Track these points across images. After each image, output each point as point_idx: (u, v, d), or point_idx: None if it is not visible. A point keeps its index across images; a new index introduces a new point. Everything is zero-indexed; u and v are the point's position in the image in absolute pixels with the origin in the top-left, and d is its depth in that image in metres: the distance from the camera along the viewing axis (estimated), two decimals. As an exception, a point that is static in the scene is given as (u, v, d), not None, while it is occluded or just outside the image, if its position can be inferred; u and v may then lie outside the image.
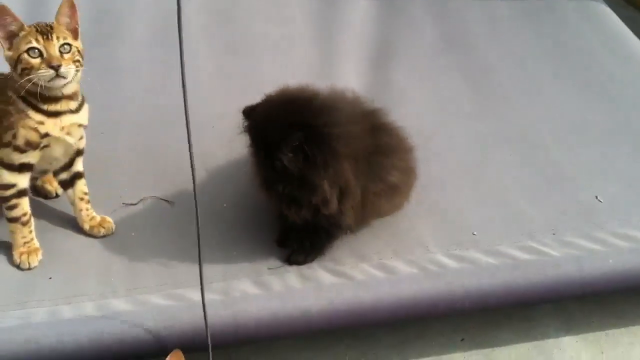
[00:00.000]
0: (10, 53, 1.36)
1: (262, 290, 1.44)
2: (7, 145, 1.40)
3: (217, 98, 1.98)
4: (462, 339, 1.58)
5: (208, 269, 1.37)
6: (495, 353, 1.56)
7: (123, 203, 1.66)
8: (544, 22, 2.35)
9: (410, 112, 1.94)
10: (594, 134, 1.92)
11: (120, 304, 1.39)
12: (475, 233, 1.62)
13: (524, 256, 1.54)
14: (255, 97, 1.46)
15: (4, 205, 1.46)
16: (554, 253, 1.54)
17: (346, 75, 2.10)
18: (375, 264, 1.53)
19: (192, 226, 1.28)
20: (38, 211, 1.60)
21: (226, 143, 1.73)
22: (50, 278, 1.47)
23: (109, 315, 1.35)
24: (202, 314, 1.27)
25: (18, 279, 1.47)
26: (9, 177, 1.42)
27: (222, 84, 2.06)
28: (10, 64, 1.37)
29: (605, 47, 2.25)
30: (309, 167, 1.37)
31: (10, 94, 1.39)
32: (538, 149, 1.87)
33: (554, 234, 1.61)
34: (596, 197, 1.72)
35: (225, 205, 1.67)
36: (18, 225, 1.47)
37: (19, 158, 1.41)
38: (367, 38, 2.26)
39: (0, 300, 1.41)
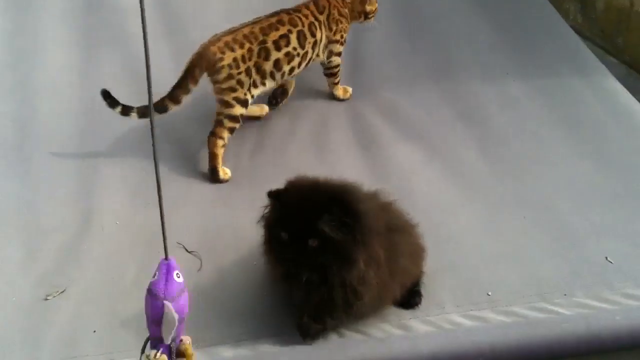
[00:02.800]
0: (370, 7, 2.42)
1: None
2: (337, 41, 2.36)
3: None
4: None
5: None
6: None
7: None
8: (555, 97, 2.49)
9: (429, 179, 2.12)
10: (604, 199, 2.02)
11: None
12: (489, 293, 1.72)
13: (536, 315, 1.63)
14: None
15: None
16: (564, 312, 1.63)
17: (367, 154, 2.26)
18: (394, 323, 1.63)
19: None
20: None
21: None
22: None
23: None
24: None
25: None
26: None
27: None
28: (362, 10, 2.42)
29: (613, 118, 2.38)
30: (346, 242, 1.42)
31: (346, 12, 2.38)
32: (550, 212, 1.98)
33: (565, 295, 1.70)
34: (606, 258, 1.81)
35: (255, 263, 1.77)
36: None
37: (340, 47, 2.38)
38: (389, 122, 2.41)
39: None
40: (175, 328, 1.16)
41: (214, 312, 1.67)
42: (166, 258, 1.15)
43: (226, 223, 1.94)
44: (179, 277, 1.15)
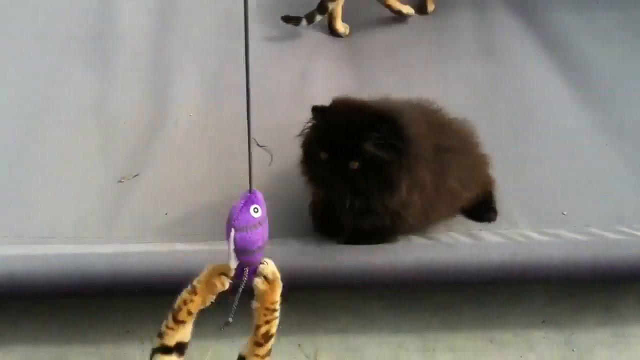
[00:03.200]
0: None
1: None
2: None
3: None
4: (543, 321, 1.63)
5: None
6: (574, 337, 1.60)
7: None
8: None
9: (506, 98, 2.06)
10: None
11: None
12: (565, 213, 1.67)
13: (614, 237, 1.57)
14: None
15: None
16: (643, 235, 1.57)
17: (441, 71, 2.20)
18: (463, 232, 1.60)
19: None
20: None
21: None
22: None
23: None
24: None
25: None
26: None
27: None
28: None
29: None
30: (390, 166, 1.34)
31: None
32: (633, 141, 1.90)
33: (645, 219, 1.63)
34: (690, 186, 1.72)
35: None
36: None
37: None
38: (470, 41, 2.33)
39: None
40: (234, 255, 1.13)
41: (281, 209, 1.64)
42: (250, 191, 1.14)
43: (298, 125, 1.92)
44: (256, 212, 1.13)
